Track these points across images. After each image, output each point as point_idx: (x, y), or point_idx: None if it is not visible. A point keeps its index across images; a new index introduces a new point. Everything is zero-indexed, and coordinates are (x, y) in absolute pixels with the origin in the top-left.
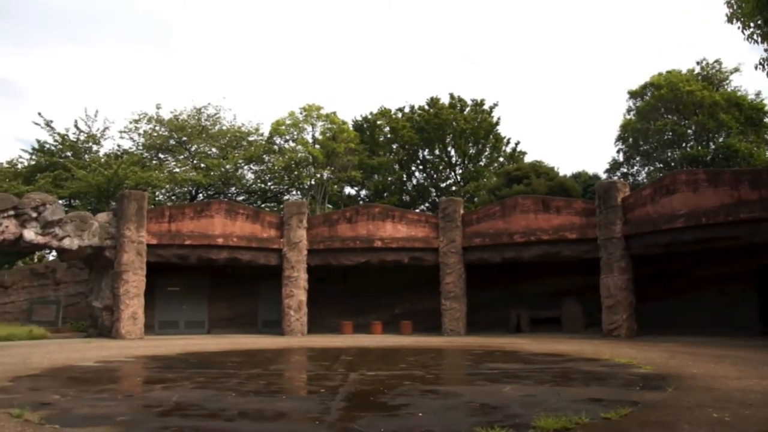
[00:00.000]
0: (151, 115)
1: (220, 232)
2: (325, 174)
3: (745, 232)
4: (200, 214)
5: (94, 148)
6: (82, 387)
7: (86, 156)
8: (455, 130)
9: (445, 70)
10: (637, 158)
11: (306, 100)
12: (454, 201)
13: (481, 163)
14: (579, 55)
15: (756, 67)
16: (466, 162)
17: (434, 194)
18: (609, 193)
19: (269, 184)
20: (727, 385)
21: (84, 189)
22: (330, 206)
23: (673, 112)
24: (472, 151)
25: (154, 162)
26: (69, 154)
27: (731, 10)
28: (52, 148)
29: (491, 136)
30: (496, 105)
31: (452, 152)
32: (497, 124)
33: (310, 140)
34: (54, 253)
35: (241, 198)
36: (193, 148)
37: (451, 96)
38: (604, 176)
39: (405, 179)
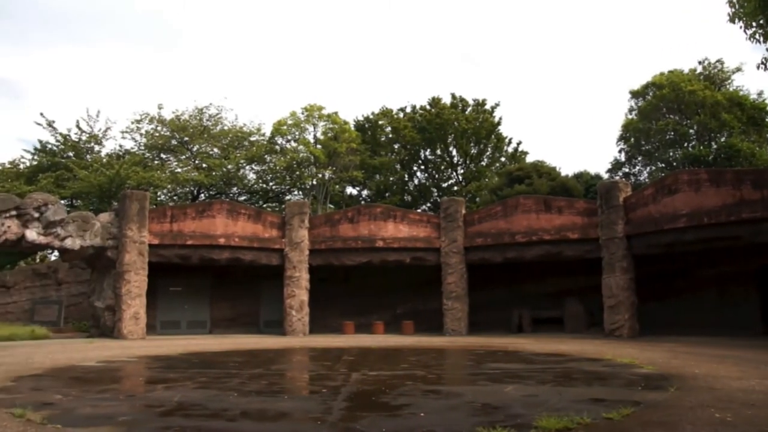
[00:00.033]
0: (152, 115)
1: (222, 232)
2: (327, 174)
3: (747, 232)
4: (202, 214)
5: (96, 148)
6: (84, 387)
7: (88, 156)
8: (457, 130)
9: (447, 70)
10: (639, 158)
11: (307, 100)
12: (456, 201)
13: (483, 163)
14: (580, 55)
15: (758, 67)
16: (467, 162)
17: (436, 194)
18: (611, 193)
19: (271, 184)
20: (729, 385)
21: (86, 189)
22: (332, 206)
23: (675, 111)
24: (473, 151)
25: (155, 162)
26: (71, 154)
27: (733, 10)
28: (54, 148)
29: (493, 136)
30: (497, 105)
31: (454, 152)
32: (499, 124)
33: (312, 140)
34: (56, 253)
35: (242, 198)
36: (194, 148)
37: (453, 96)
38: (605, 176)
39: (407, 179)
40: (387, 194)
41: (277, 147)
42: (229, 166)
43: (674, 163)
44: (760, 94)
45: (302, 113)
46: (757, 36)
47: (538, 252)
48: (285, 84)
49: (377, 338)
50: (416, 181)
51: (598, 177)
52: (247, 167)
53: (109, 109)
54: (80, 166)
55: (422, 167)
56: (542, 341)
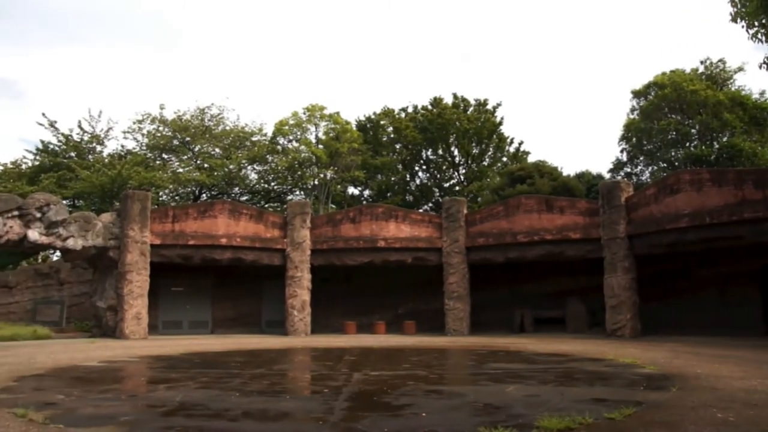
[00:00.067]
0: (154, 115)
1: (224, 232)
2: (329, 174)
3: (749, 232)
4: (204, 214)
5: (98, 148)
6: (86, 387)
7: (90, 156)
8: (458, 129)
9: (448, 69)
10: (641, 158)
11: (309, 101)
12: (458, 201)
13: (485, 163)
14: (582, 55)
15: (760, 66)
16: (469, 162)
17: (437, 194)
18: (612, 193)
19: (272, 184)
20: (731, 385)
21: (88, 189)
22: (333, 206)
23: (677, 111)
24: (475, 150)
25: (157, 162)
26: (73, 154)
27: (735, 10)
28: (56, 148)
29: (494, 136)
30: (499, 105)
31: (455, 152)
32: (500, 123)
33: (314, 140)
34: (58, 253)
35: (244, 198)
36: (196, 149)
37: (455, 96)
38: (607, 176)
39: (408, 179)
40: (389, 194)
41: (279, 147)
42: (231, 166)
43: (676, 163)
44: (762, 93)
45: (304, 113)
46: (759, 36)
47: (540, 252)
48: (287, 84)
49: (379, 338)
50: (418, 181)
51: (599, 177)
52: (249, 167)
53: (110, 110)
54: (82, 167)
55: (424, 167)
56: (544, 341)
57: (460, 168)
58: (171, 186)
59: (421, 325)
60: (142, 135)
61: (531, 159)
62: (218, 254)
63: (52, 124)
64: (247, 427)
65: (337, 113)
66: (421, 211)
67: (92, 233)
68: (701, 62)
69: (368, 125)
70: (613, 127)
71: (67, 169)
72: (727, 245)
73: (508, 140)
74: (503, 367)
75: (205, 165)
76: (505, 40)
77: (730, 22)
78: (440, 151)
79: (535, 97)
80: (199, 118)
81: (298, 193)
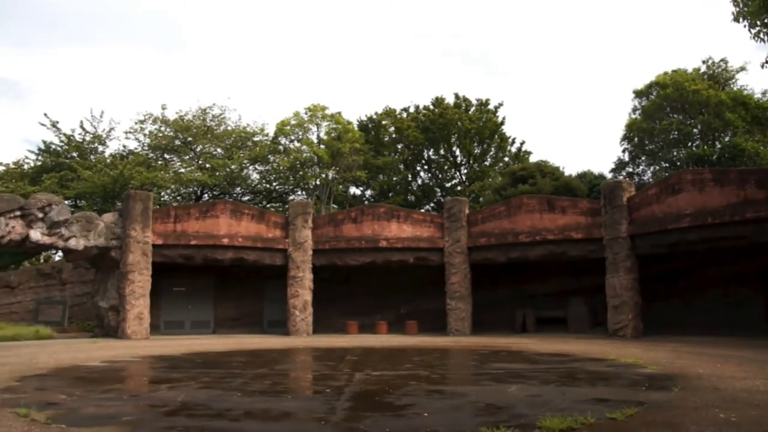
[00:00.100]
0: (156, 115)
1: (226, 232)
2: (330, 174)
3: (751, 232)
4: (205, 214)
5: (100, 148)
6: (88, 387)
7: (92, 156)
8: (460, 129)
9: (450, 69)
10: (643, 158)
11: (311, 101)
12: (460, 201)
13: (486, 163)
14: (584, 55)
15: (762, 66)
16: (471, 162)
17: (439, 194)
18: (614, 193)
19: (274, 184)
20: (733, 385)
21: (90, 189)
22: (335, 206)
23: (679, 111)
24: (477, 150)
25: (159, 162)
26: (75, 154)
27: (737, 9)
28: (58, 148)
29: (496, 136)
30: (501, 105)
31: (457, 152)
32: (502, 123)
33: (315, 140)
34: (60, 253)
35: (246, 198)
36: (198, 149)
37: (456, 96)
38: (609, 176)
39: (410, 179)
40: (390, 194)
41: (281, 147)
42: (233, 167)
43: (678, 163)
44: (764, 93)
45: (306, 113)
46: (761, 35)
47: (542, 252)
48: (288, 84)
49: (381, 338)
50: (419, 181)
51: (601, 177)
52: (251, 167)
53: (112, 110)
54: (84, 167)
55: (425, 167)
56: (546, 341)
57: (462, 168)
58: (173, 186)
59: (423, 325)
60: (144, 135)
61: (533, 159)
62: (220, 254)
63: (54, 125)
64: (249, 427)
65: (339, 113)
66: (422, 211)
67: (94, 233)
68: (703, 62)
69: (370, 125)
70: (614, 127)
71: (69, 169)
72: (729, 245)
73: (510, 140)
74: (505, 367)
75: (207, 165)
76: (507, 40)
77: (732, 21)
78: (442, 151)
79: (536, 97)
80: (201, 118)
81: (299, 193)
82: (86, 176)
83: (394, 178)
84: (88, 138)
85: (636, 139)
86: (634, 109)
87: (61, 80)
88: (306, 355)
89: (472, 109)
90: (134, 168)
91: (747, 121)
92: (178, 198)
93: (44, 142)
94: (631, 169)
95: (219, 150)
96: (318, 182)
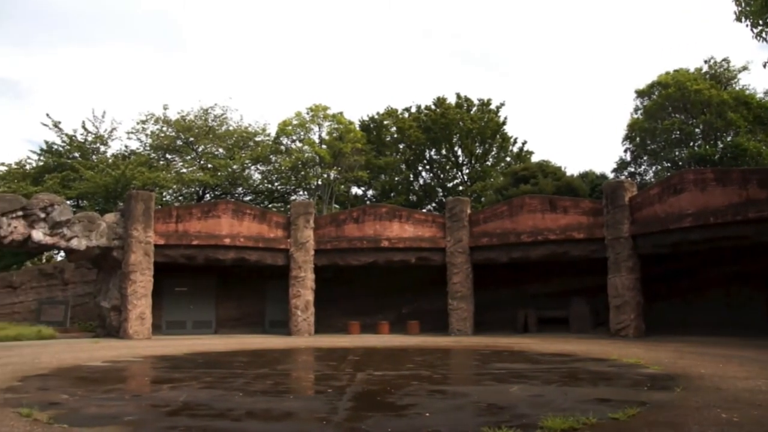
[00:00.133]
0: (158, 115)
1: (228, 232)
2: (332, 174)
3: (753, 232)
4: (207, 214)
5: (102, 148)
6: (90, 387)
7: (94, 157)
8: (462, 129)
9: (452, 69)
10: (645, 157)
11: (313, 101)
12: (461, 201)
13: (488, 163)
14: (586, 55)
15: (765, 66)
16: (473, 162)
17: (441, 194)
18: (616, 193)
19: (276, 184)
20: (735, 385)
21: (92, 189)
22: (337, 206)
23: (681, 111)
24: (478, 150)
25: (161, 162)
26: (77, 154)
27: (739, 8)
28: (60, 149)
29: (498, 136)
30: (502, 105)
31: (459, 152)
32: (504, 123)
33: (317, 140)
34: (62, 253)
35: (248, 198)
36: (200, 149)
37: (458, 96)
38: (611, 176)
39: (412, 179)
40: (392, 194)
41: (282, 147)
42: (234, 167)
43: (680, 163)
44: (766, 93)
45: (307, 113)
46: (763, 35)
47: (544, 252)
48: (290, 84)
49: (382, 338)
50: (421, 181)
51: (603, 177)
52: (252, 167)
53: (114, 110)
54: (86, 167)
55: (427, 167)
56: (548, 341)
57: (464, 168)
58: (174, 186)
59: (425, 325)
60: (146, 135)
61: (534, 159)
62: (222, 254)
63: (56, 125)
64: (250, 426)
65: (341, 113)
66: (424, 211)
67: (96, 233)
68: (705, 61)
69: (371, 125)
70: (616, 127)
71: (71, 169)
72: (731, 245)
73: (512, 140)
74: (507, 367)
75: (209, 165)
76: (509, 40)
77: (734, 21)
78: (444, 151)
79: (538, 96)
80: (203, 118)
81: (301, 193)
82: (88, 176)
83: (396, 178)
84: (90, 138)
85: (638, 138)
86: (636, 109)
87: (62, 80)
88: (308, 355)
89: (474, 109)
90: (136, 168)
91: (749, 120)
92: (180, 198)
93: (46, 142)
94: (633, 169)
95: (221, 150)
96: (320, 182)
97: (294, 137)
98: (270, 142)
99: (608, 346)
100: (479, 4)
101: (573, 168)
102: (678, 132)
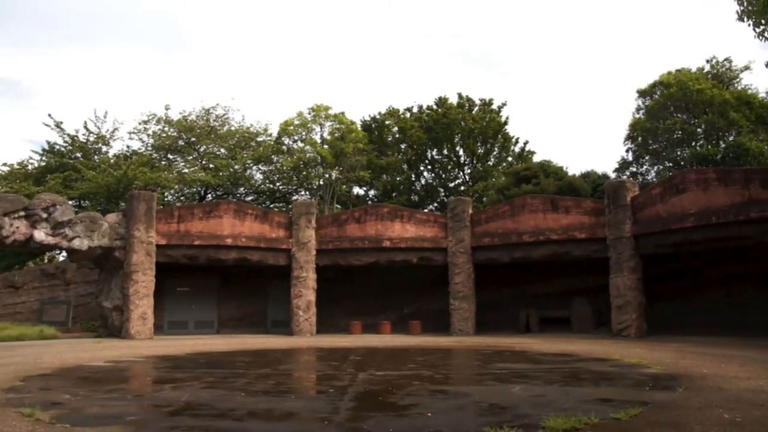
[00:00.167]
0: (160, 116)
1: (229, 232)
2: (334, 174)
3: (755, 232)
4: (209, 214)
5: (104, 149)
6: (92, 387)
7: (96, 157)
8: (463, 129)
9: (453, 69)
10: (647, 157)
11: (314, 101)
12: (463, 201)
13: (490, 163)
14: (587, 54)
15: (767, 65)
16: (474, 162)
17: (443, 194)
18: (618, 193)
19: (278, 184)
20: (737, 385)
21: (93, 190)
22: (338, 206)
23: (683, 110)
24: (480, 150)
25: (163, 163)
26: (79, 155)
27: (742, 8)
28: (62, 149)
29: (500, 136)
30: (504, 104)
31: (461, 152)
32: (506, 123)
33: (319, 140)
34: (64, 253)
35: (249, 198)
36: (201, 149)
37: (460, 96)
38: (613, 176)
39: (413, 179)
40: (394, 194)
41: (284, 147)
42: (236, 167)
43: (682, 163)
44: None
45: (309, 113)
46: (765, 34)
47: (546, 252)
48: (292, 84)
49: (384, 338)
50: (423, 181)
51: (605, 176)
52: (254, 167)
53: (116, 110)
54: (88, 167)
55: (429, 167)
56: (550, 341)
57: (465, 168)
58: (176, 186)
59: (427, 325)
60: (148, 135)
61: (536, 159)
62: (224, 254)
63: (58, 125)
64: (252, 426)
65: (342, 113)
66: (426, 211)
67: (98, 233)
68: (707, 61)
69: (373, 125)
70: (618, 127)
71: (73, 169)
72: (733, 245)
73: (513, 140)
74: (509, 367)
75: (211, 165)
76: (510, 40)
77: (736, 20)
78: (445, 151)
79: (540, 97)
80: (205, 118)
81: (303, 193)
82: (90, 176)
83: (398, 178)
84: (91, 138)
85: (640, 138)
86: (638, 109)
87: (63, 80)
88: (309, 355)
89: (476, 109)
90: (138, 168)
91: (751, 120)
92: (182, 198)
93: (48, 142)
94: (634, 169)
95: (222, 150)
96: (321, 182)
97: (296, 137)
98: (272, 142)
99: (610, 346)
100: (479, 5)
101: (575, 168)
102: (680, 132)
